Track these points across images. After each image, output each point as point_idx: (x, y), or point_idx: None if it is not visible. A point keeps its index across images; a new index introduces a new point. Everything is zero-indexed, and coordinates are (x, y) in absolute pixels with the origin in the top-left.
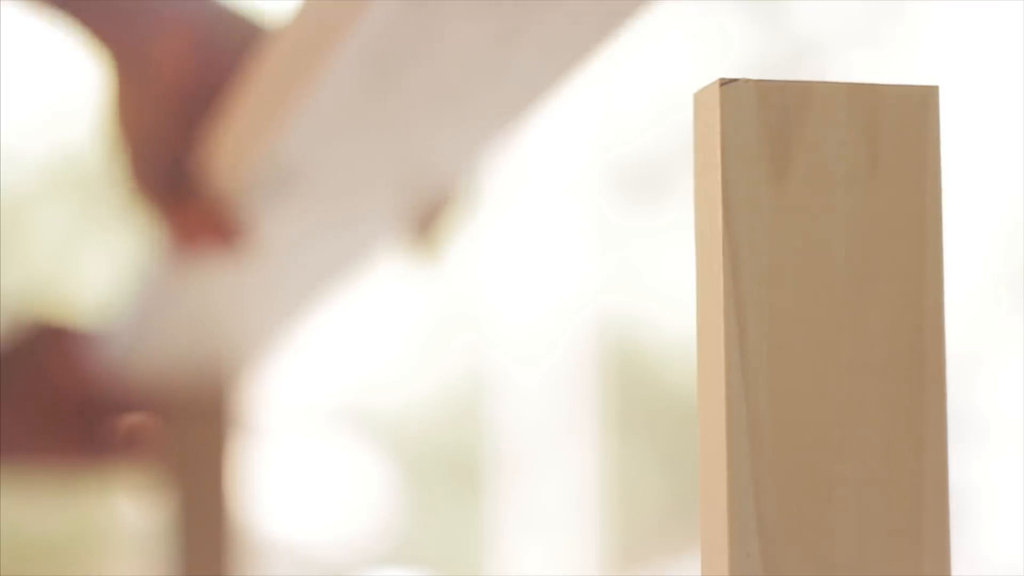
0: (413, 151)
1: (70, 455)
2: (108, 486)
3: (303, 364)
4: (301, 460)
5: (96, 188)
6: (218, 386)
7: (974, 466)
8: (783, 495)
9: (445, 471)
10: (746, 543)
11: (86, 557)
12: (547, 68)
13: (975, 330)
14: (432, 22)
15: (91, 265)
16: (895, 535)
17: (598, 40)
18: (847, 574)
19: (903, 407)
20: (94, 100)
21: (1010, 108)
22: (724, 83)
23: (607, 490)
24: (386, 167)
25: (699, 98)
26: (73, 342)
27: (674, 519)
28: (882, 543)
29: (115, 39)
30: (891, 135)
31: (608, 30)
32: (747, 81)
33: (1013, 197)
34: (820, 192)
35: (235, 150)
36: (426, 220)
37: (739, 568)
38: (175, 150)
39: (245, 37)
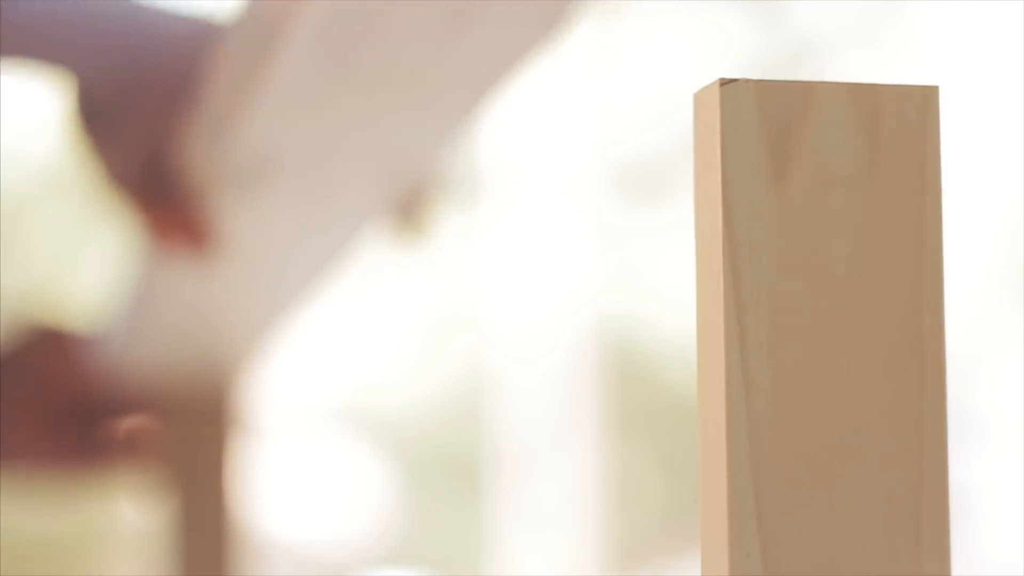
0: (382, 137)
1: (70, 458)
2: (108, 488)
3: (303, 364)
4: (301, 460)
5: (95, 189)
6: (217, 387)
7: (974, 466)
8: (783, 495)
9: (445, 471)
10: (746, 543)
11: (86, 558)
12: (501, 49)
13: (975, 330)
14: (378, 5)
15: (90, 267)
16: (895, 535)
17: (551, 19)
18: (847, 574)
19: (903, 407)
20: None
21: (1010, 108)
22: (724, 83)
23: (607, 490)
24: (359, 154)
25: (699, 98)
26: (72, 345)
27: (674, 519)
28: (882, 543)
29: (72, 60)
30: (891, 135)
31: (560, 8)
32: (747, 81)
33: (1013, 197)
34: (820, 192)
35: (205, 146)
36: (408, 205)
37: (739, 568)
38: (147, 151)
39: (203, 37)
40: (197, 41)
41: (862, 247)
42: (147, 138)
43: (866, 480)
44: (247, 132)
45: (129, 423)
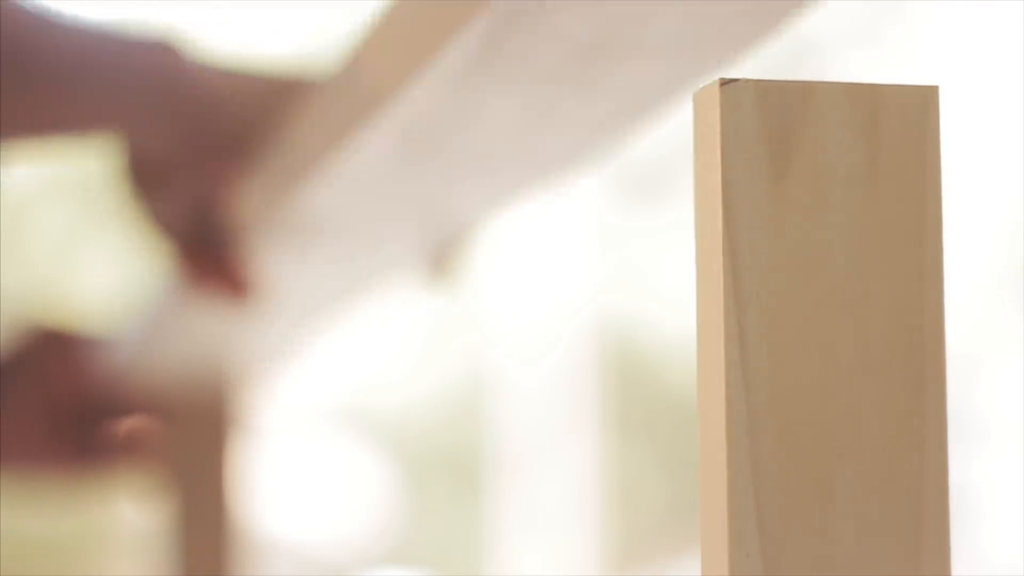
0: (434, 207)
1: (70, 459)
2: (109, 489)
3: (303, 364)
4: (301, 460)
5: (97, 189)
6: (218, 387)
7: (974, 466)
8: (783, 495)
9: (445, 471)
10: (746, 543)
11: (87, 558)
12: (573, 146)
13: (975, 330)
14: (469, 104)
15: (92, 268)
16: (895, 535)
17: (624, 126)
18: (847, 574)
19: (903, 407)
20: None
21: (1010, 108)
22: (724, 83)
23: (607, 490)
24: (406, 219)
25: (699, 98)
26: (73, 346)
27: (674, 519)
28: (882, 543)
29: (124, 123)
30: (891, 135)
31: (632, 120)
32: (747, 81)
33: (1013, 197)
34: (820, 192)
35: (261, 199)
36: (440, 256)
37: (739, 568)
38: (196, 203)
39: (257, 92)
40: (250, 96)
41: (862, 247)
42: (196, 191)
43: (866, 480)
44: (306, 193)
45: (129, 424)
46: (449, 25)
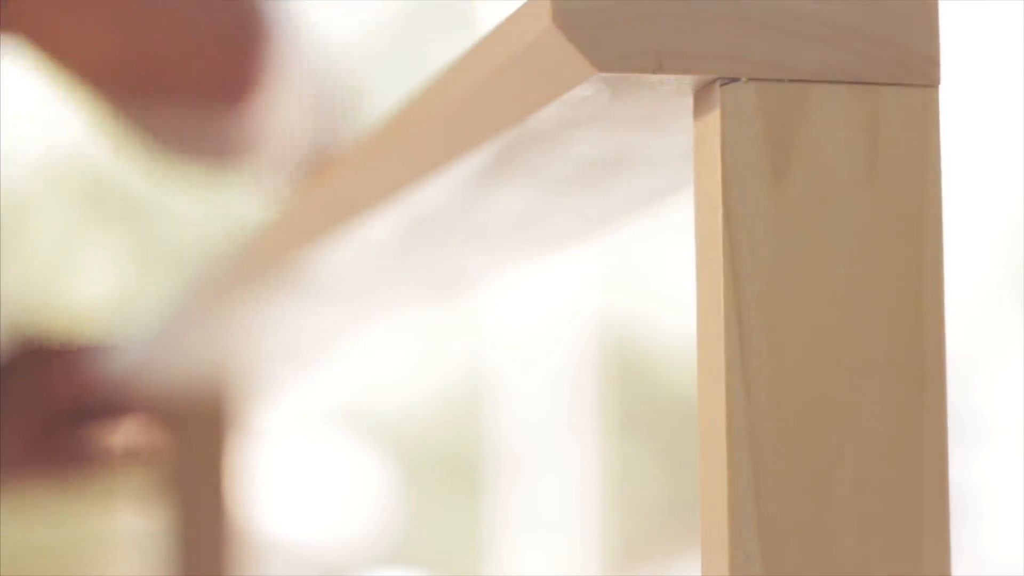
0: (438, 275)
1: (69, 462)
2: (108, 492)
3: (302, 364)
4: (300, 460)
5: (97, 191)
6: (218, 387)
7: (974, 466)
8: (783, 495)
9: (445, 471)
10: (746, 543)
11: (86, 560)
12: (572, 231)
13: (975, 330)
14: (478, 198)
15: (91, 271)
16: (895, 535)
17: (620, 218)
18: (847, 574)
19: (903, 407)
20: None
21: (1010, 108)
22: (724, 83)
23: (607, 490)
24: (410, 281)
25: (699, 98)
26: (72, 350)
27: (674, 519)
28: (882, 543)
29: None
30: (891, 135)
31: (628, 215)
32: (747, 81)
33: (1013, 197)
34: (820, 192)
35: (269, 255)
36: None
37: (739, 568)
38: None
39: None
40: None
41: (862, 247)
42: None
43: (866, 480)
44: (310, 257)
45: (128, 426)
46: (469, 139)
